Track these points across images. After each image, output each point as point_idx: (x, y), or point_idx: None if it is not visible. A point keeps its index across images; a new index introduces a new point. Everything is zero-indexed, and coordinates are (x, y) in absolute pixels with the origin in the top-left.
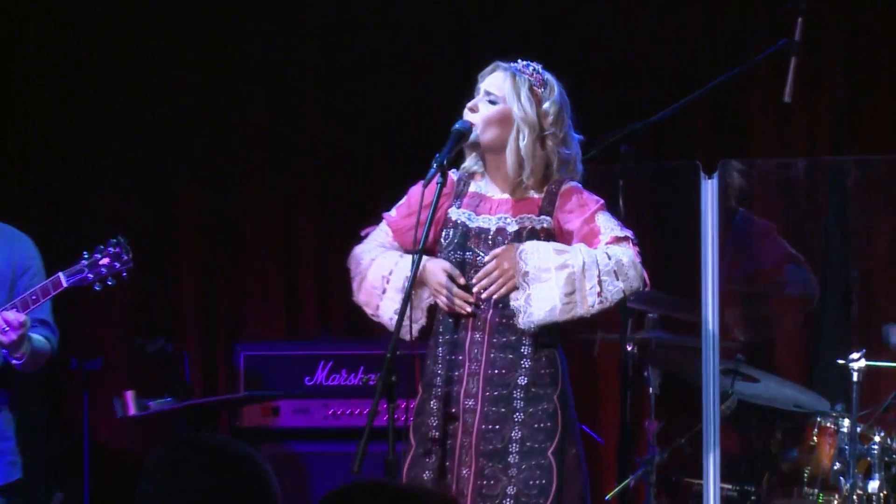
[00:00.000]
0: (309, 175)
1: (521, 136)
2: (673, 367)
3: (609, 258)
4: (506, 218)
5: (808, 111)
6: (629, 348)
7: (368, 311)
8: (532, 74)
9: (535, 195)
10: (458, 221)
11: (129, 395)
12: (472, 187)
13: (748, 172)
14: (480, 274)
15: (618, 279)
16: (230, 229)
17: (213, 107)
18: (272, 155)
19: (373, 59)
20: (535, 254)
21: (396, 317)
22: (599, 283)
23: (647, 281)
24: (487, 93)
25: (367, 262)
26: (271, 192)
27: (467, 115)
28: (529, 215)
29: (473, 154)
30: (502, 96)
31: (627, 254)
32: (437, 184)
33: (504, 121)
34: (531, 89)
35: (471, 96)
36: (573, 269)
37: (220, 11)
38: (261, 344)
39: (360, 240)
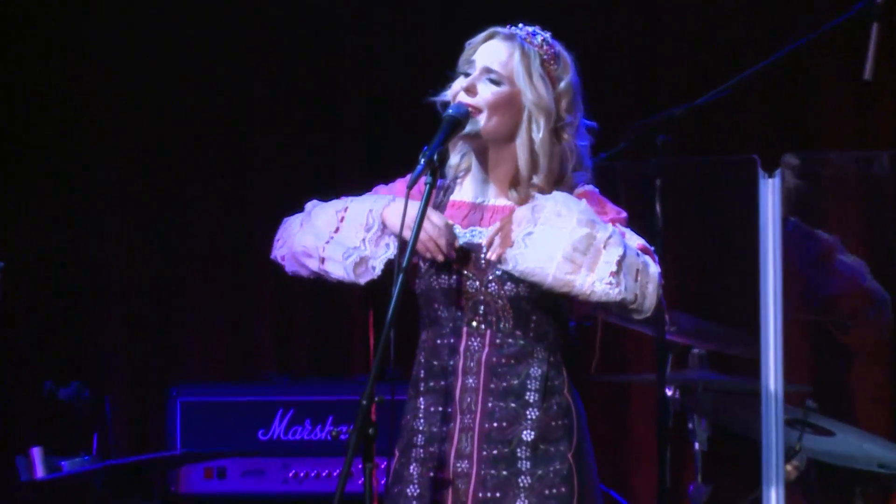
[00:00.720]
0: (263, 184)
1: (534, 127)
2: (724, 416)
3: (639, 256)
4: None
5: (893, 91)
6: (669, 392)
7: (311, 263)
8: (542, 46)
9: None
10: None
11: (37, 453)
12: (456, 194)
13: (817, 169)
14: (490, 233)
15: (636, 281)
16: (164, 246)
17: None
18: (219, 164)
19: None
20: (559, 198)
21: (350, 255)
22: (619, 266)
23: (667, 317)
24: (488, 69)
25: (310, 207)
26: (216, 203)
27: (461, 98)
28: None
29: (458, 149)
30: (507, 75)
31: (656, 269)
32: (426, 185)
33: (512, 106)
34: (544, 66)
35: (452, 67)
36: (596, 232)
37: None
38: (202, 387)
39: None
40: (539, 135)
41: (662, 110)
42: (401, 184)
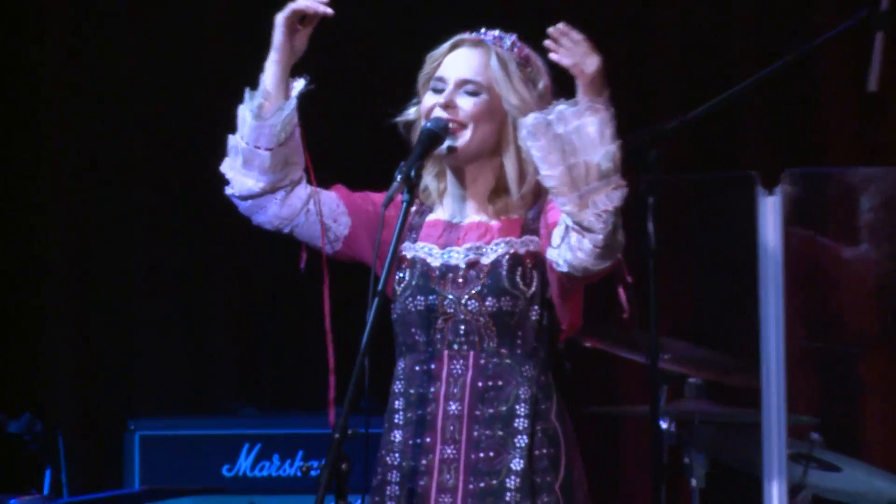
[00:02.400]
0: (221, 209)
1: (518, 133)
2: (723, 450)
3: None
4: (479, 247)
5: None
6: (664, 425)
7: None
8: (513, 49)
9: (517, 215)
10: (416, 259)
11: None
12: (431, 215)
13: (821, 186)
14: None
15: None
16: (118, 270)
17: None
18: (173, 192)
19: None
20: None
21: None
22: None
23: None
24: (464, 81)
25: None
26: (172, 228)
27: (437, 114)
28: (509, 238)
29: (430, 171)
30: (486, 83)
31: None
32: (404, 202)
33: (495, 116)
34: (520, 69)
35: (411, 90)
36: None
37: None
38: (163, 420)
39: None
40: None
41: (655, 124)
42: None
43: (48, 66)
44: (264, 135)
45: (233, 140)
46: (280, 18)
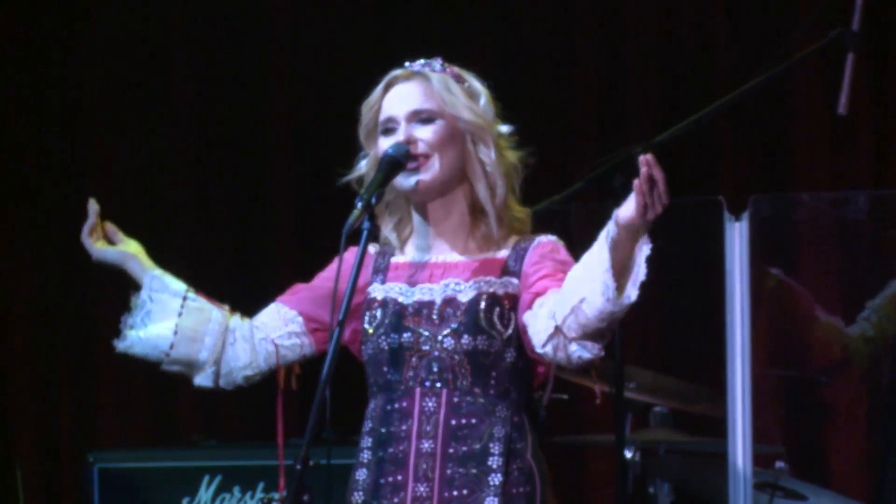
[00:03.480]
0: (183, 229)
1: (482, 149)
2: (688, 480)
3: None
4: (456, 284)
5: (872, 127)
6: (629, 454)
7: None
8: (444, 71)
9: (497, 254)
10: (388, 299)
11: None
12: (395, 258)
13: (789, 211)
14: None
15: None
16: (78, 300)
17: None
18: (132, 219)
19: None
20: None
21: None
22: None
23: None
24: (415, 112)
25: None
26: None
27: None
28: (488, 278)
29: (389, 220)
30: (437, 108)
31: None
32: (364, 230)
33: (455, 138)
34: (459, 86)
35: (351, 147)
36: None
37: None
38: (121, 452)
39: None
40: (490, 154)
41: (621, 148)
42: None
43: None
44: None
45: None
46: (92, 250)
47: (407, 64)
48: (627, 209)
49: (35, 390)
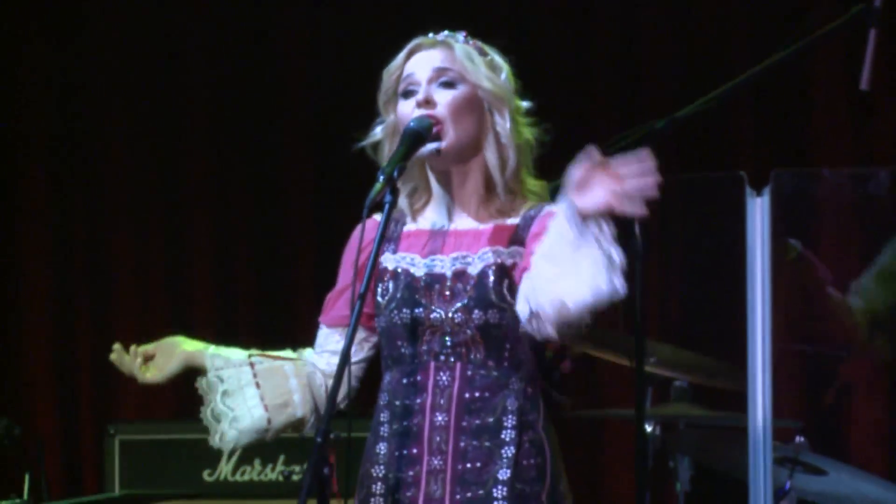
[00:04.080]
0: (201, 215)
1: (497, 119)
2: (708, 454)
3: None
4: (465, 256)
5: (894, 103)
6: (649, 428)
7: None
8: (468, 42)
9: (507, 221)
10: (399, 270)
11: None
12: (412, 224)
13: (810, 187)
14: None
15: None
16: (96, 272)
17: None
18: (153, 194)
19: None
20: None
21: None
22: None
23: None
24: (438, 70)
25: None
26: (152, 230)
27: (417, 113)
28: (497, 247)
29: (407, 181)
30: (459, 72)
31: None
32: (386, 204)
33: (473, 106)
34: (482, 57)
35: (369, 112)
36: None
37: None
38: (143, 425)
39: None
40: (506, 125)
41: (643, 123)
42: (350, 247)
43: None
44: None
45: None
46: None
47: (430, 35)
48: (594, 202)
49: (55, 363)
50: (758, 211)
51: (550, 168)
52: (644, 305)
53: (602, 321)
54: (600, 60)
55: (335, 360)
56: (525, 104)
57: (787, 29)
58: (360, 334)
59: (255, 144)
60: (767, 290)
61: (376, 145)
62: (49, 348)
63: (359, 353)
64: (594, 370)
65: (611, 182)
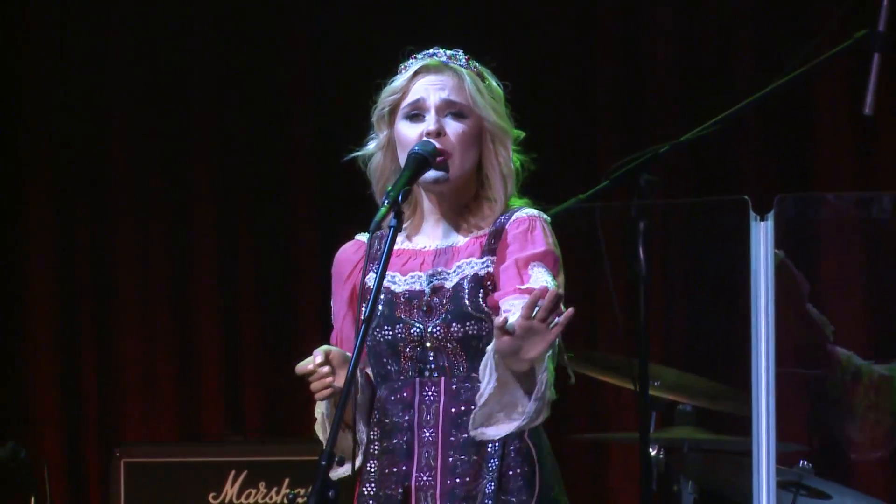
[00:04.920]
0: (210, 223)
1: (500, 150)
2: (712, 478)
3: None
4: (441, 272)
5: None
6: (653, 452)
7: None
8: (470, 66)
9: (479, 233)
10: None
11: None
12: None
13: (813, 211)
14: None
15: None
16: (101, 293)
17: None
18: (157, 208)
19: None
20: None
21: None
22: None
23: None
24: (450, 103)
25: None
26: (158, 248)
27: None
28: (470, 259)
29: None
30: (467, 104)
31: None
32: (391, 228)
33: (478, 138)
34: (483, 84)
35: (358, 120)
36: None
37: None
38: (148, 447)
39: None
40: (508, 156)
41: (647, 147)
42: (339, 260)
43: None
44: None
45: None
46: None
47: (432, 51)
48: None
49: (61, 385)
50: (762, 235)
51: (552, 192)
52: (648, 329)
53: (606, 345)
54: (604, 84)
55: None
56: (519, 133)
57: (792, 53)
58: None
59: (260, 152)
60: (771, 313)
61: (368, 157)
62: (54, 371)
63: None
64: (599, 394)
65: (539, 333)
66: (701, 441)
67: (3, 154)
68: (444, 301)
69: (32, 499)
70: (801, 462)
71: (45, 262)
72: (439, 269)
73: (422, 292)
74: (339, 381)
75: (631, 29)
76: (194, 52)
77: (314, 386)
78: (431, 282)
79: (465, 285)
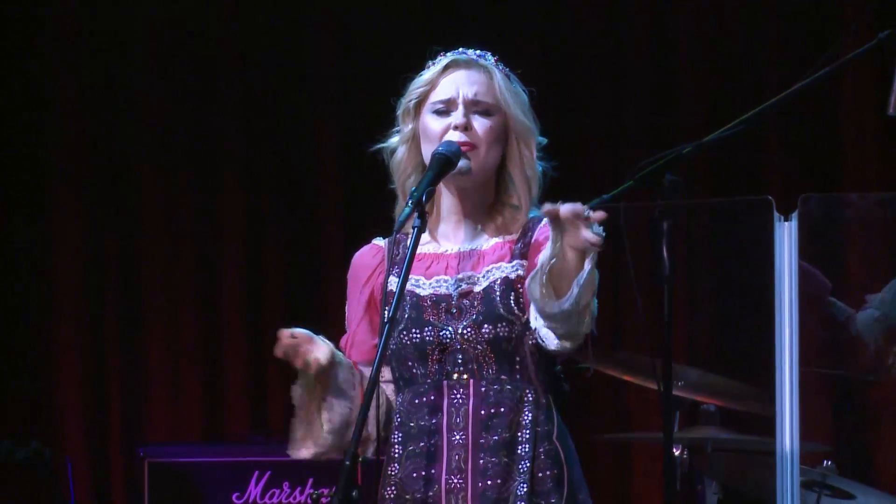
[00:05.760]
0: (235, 222)
1: (525, 151)
2: (736, 478)
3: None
4: (470, 276)
5: None
6: (677, 452)
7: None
8: (498, 65)
9: (507, 238)
10: (405, 291)
11: None
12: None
13: (838, 212)
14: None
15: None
16: (127, 293)
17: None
18: (183, 206)
19: None
20: None
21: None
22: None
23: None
24: (475, 102)
25: None
26: (181, 250)
27: (450, 136)
28: (500, 264)
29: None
30: (494, 102)
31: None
32: (415, 228)
33: (503, 136)
34: (511, 84)
35: (384, 114)
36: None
37: None
38: (172, 447)
39: None
40: (532, 156)
41: (671, 147)
42: (357, 263)
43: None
44: None
45: None
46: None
47: (461, 50)
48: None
49: (85, 385)
50: (786, 236)
51: (576, 191)
52: (671, 329)
53: (630, 345)
54: (628, 85)
55: (385, 387)
56: (542, 140)
57: (815, 54)
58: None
59: (287, 153)
60: (795, 314)
61: (392, 150)
62: (79, 371)
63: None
64: (622, 394)
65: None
66: (725, 441)
67: (29, 153)
68: (475, 303)
69: (56, 500)
70: (825, 462)
71: (70, 261)
72: (468, 274)
73: (449, 296)
74: (318, 352)
75: (656, 29)
76: (221, 46)
77: (293, 357)
78: (460, 285)
79: (497, 288)
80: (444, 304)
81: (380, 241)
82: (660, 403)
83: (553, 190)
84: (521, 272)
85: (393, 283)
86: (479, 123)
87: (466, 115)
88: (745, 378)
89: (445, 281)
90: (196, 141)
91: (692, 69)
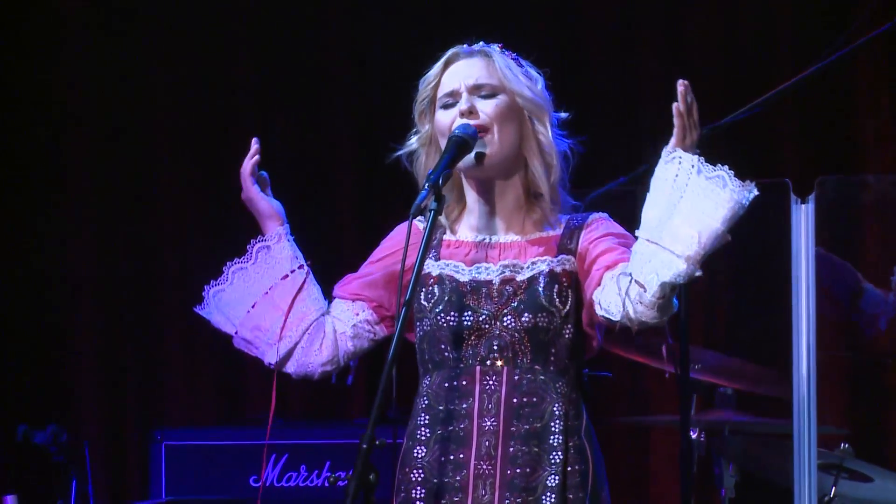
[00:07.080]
0: (241, 214)
1: (539, 128)
2: (753, 460)
3: None
4: (515, 264)
5: None
6: (694, 435)
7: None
8: (503, 53)
9: (549, 232)
10: (443, 276)
11: (11, 502)
12: (448, 235)
13: (855, 194)
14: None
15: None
16: (143, 276)
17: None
18: (193, 201)
19: None
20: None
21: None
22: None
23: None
24: (477, 86)
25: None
26: (199, 231)
27: (458, 123)
28: (545, 257)
29: (447, 190)
30: (498, 84)
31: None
32: (430, 210)
33: (514, 115)
34: (518, 68)
35: (403, 123)
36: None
37: None
38: (189, 430)
39: None
40: (548, 133)
41: None
42: (395, 233)
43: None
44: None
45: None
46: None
47: (465, 45)
48: (671, 141)
49: (102, 368)
50: (802, 218)
51: (597, 173)
52: (689, 312)
53: (648, 329)
54: (645, 67)
55: (341, 330)
56: (562, 115)
57: (832, 35)
58: (369, 324)
59: (303, 154)
60: (812, 296)
61: (411, 154)
62: (96, 354)
63: (356, 341)
64: (639, 377)
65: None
66: (741, 424)
67: (46, 146)
68: (518, 291)
69: (73, 482)
70: (843, 444)
71: (87, 246)
72: (512, 262)
73: (489, 282)
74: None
75: (672, 14)
76: (237, 44)
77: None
78: (503, 272)
79: (541, 279)
80: (484, 290)
81: (420, 225)
82: (677, 386)
83: (572, 175)
84: (566, 266)
85: (430, 265)
86: (485, 105)
87: (470, 99)
88: (762, 361)
89: (487, 268)
90: (211, 132)
91: (707, 52)
